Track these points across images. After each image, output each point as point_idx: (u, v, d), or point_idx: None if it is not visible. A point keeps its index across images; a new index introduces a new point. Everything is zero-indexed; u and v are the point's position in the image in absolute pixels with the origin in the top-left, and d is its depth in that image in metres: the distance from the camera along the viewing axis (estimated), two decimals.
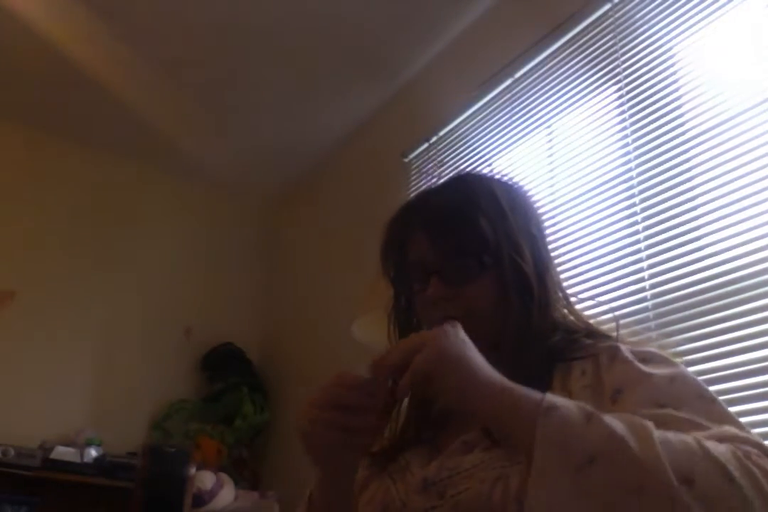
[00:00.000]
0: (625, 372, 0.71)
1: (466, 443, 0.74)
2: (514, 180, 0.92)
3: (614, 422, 0.56)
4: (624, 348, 0.75)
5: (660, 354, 0.76)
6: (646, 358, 0.73)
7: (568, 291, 0.88)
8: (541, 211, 2.02)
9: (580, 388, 0.72)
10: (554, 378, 0.74)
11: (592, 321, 0.86)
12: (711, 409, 0.66)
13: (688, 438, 0.57)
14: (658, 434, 0.55)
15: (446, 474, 0.71)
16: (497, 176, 0.92)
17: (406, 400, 0.84)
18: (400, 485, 0.76)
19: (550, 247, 0.88)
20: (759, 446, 0.58)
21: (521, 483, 0.65)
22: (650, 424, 0.57)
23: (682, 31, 1.75)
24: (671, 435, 0.56)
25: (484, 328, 0.77)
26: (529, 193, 0.95)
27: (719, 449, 0.56)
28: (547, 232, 0.92)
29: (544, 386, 0.70)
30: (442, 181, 0.91)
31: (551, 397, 0.59)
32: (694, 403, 0.66)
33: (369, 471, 0.82)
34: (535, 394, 0.60)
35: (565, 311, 0.85)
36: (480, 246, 0.80)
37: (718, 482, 0.53)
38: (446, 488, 0.70)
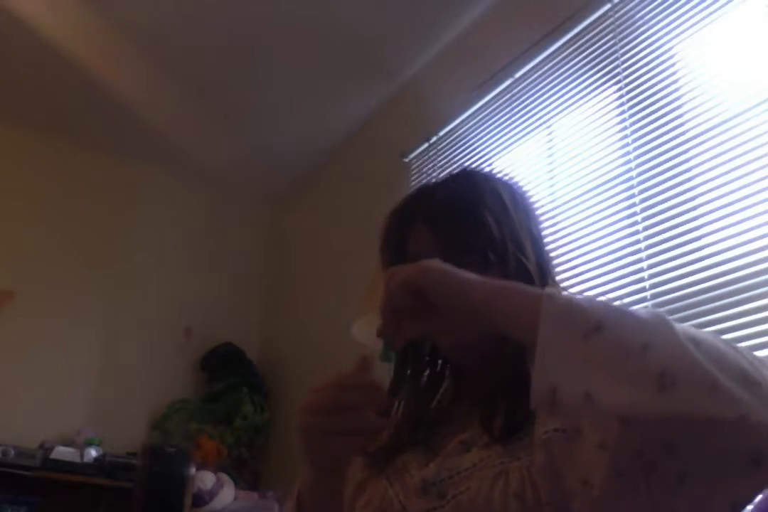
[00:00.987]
0: None
1: (464, 442, 0.73)
2: (515, 180, 0.92)
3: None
4: None
5: None
6: None
7: (568, 292, 0.88)
8: (540, 211, 2.03)
9: None
10: None
11: None
12: None
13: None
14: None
15: (446, 475, 0.71)
16: (499, 175, 0.92)
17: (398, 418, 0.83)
18: (397, 487, 0.75)
19: (548, 247, 0.87)
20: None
21: (521, 479, 0.65)
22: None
23: (682, 32, 1.75)
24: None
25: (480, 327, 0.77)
26: (529, 194, 0.95)
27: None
28: (546, 232, 0.92)
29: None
30: (444, 175, 0.90)
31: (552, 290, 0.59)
32: None
33: (365, 474, 0.81)
34: (534, 288, 0.61)
35: None
36: (485, 243, 0.78)
37: (722, 346, 0.53)
38: (447, 489, 0.70)
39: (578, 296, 0.57)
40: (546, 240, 0.87)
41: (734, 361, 0.52)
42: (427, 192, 0.87)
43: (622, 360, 0.51)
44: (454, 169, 2.49)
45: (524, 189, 0.92)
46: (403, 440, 0.80)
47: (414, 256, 0.81)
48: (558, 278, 0.88)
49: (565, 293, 0.58)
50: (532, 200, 0.92)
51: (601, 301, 0.57)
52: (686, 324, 0.59)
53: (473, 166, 2.40)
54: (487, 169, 2.37)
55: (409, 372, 0.85)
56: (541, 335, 0.54)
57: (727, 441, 0.49)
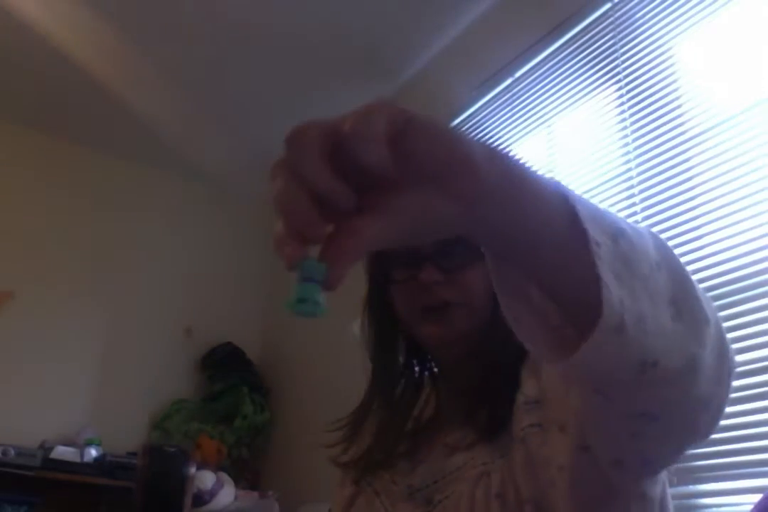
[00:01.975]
0: None
1: (447, 446, 0.73)
2: None
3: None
4: None
5: None
6: None
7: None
8: None
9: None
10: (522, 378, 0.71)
11: None
12: None
13: None
14: None
15: (431, 480, 0.71)
16: None
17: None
18: (384, 496, 0.75)
19: None
20: None
21: (502, 479, 0.65)
22: None
23: (682, 31, 1.74)
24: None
25: (474, 317, 0.75)
26: None
27: None
28: None
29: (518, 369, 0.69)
30: None
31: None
32: None
33: (354, 489, 0.80)
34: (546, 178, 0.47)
35: None
36: None
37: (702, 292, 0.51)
38: (432, 494, 0.70)
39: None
40: None
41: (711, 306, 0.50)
42: None
43: (645, 272, 0.45)
44: None
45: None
46: (388, 452, 0.79)
47: (398, 250, 0.78)
48: None
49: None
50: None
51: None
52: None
53: None
54: None
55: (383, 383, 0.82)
56: (591, 231, 0.42)
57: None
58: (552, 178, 0.46)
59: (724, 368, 0.50)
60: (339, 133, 0.37)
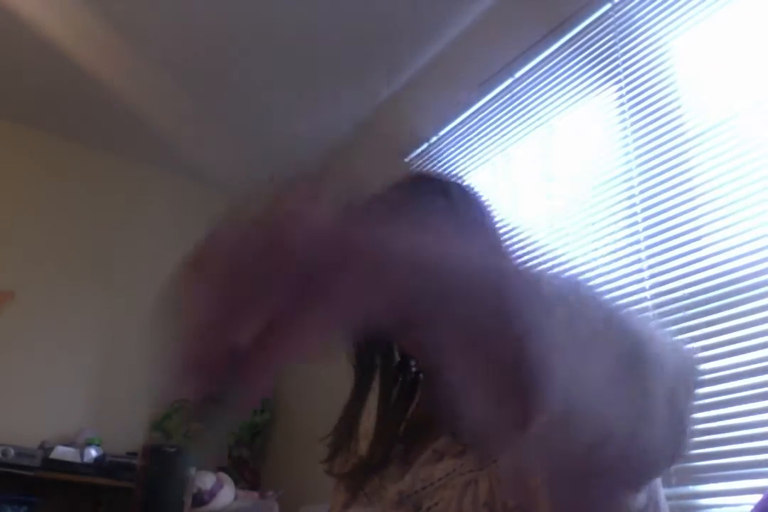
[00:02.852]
0: None
1: (436, 451, 0.72)
2: (464, 181, 0.86)
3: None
4: None
5: None
6: None
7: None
8: (540, 211, 2.03)
9: None
10: None
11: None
12: None
13: None
14: None
15: (420, 486, 0.70)
16: (449, 176, 0.87)
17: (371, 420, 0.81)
18: (376, 503, 0.75)
19: (505, 237, 0.83)
20: None
21: (490, 487, 0.64)
22: None
23: (682, 31, 1.74)
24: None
25: None
26: (479, 195, 0.89)
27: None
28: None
29: None
30: (389, 186, 0.83)
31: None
32: None
33: (347, 496, 0.80)
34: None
35: None
36: None
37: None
38: (421, 500, 0.69)
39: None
40: (504, 232, 0.84)
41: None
42: (375, 199, 0.80)
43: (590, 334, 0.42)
44: (455, 168, 2.49)
45: (472, 190, 0.84)
46: (380, 458, 0.79)
47: None
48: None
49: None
50: (474, 191, 0.85)
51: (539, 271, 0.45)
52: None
53: (473, 166, 2.40)
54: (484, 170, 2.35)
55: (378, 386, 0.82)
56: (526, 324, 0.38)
57: None
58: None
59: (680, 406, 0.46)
60: None
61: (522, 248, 2.05)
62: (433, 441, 0.74)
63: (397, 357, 0.83)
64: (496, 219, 0.84)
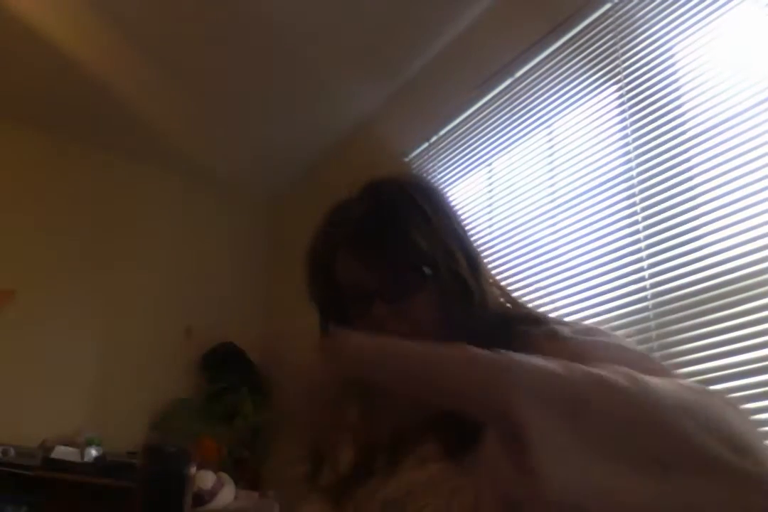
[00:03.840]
0: (569, 347, 0.67)
1: (419, 457, 0.72)
2: (423, 176, 0.88)
3: (591, 368, 0.50)
4: (561, 328, 0.72)
5: (599, 327, 0.74)
6: (587, 332, 0.71)
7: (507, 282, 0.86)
8: (540, 211, 2.02)
9: None
10: None
11: (531, 306, 0.84)
12: (658, 368, 0.65)
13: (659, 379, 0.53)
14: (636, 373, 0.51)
15: (403, 492, 0.70)
16: (409, 176, 0.88)
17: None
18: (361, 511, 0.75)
19: (473, 239, 0.84)
20: (715, 394, 0.56)
21: (477, 495, 0.63)
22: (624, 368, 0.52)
23: (682, 31, 1.74)
24: (646, 377, 0.51)
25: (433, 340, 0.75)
26: (439, 188, 0.91)
27: (688, 384, 0.53)
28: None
29: None
30: (353, 192, 0.85)
31: (513, 354, 0.49)
32: (644, 363, 0.63)
33: (327, 507, 0.80)
34: (490, 354, 0.49)
35: (501, 300, 0.82)
36: (416, 257, 0.76)
37: (707, 410, 0.50)
38: (405, 506, 0.69)
39: (538, 361, 0.49)
40: (470, 232, 0.85)
41: (725, 427, 0.49)
42: (342, 215, 0.83)
43: (614, 441, 0.45)
44: (455, 168, 2.49)
45: (435, 185, 0.87)
46: (365, 469, 0.79)
47: (347, 287, 0.79)
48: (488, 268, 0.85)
49: (521, 358, 0.49)
50: (446, 196, 0.87)
51: (566, 364, 0.49)
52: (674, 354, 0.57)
53: (473, 166, 2.40)
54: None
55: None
56: (528, 421, 0.44)
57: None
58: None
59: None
60: None
61: (521, 248, 2.05)
62: (415, 448, 0.74)
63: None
64: (454, 208, 0.85)
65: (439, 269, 0.76)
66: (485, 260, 0.86)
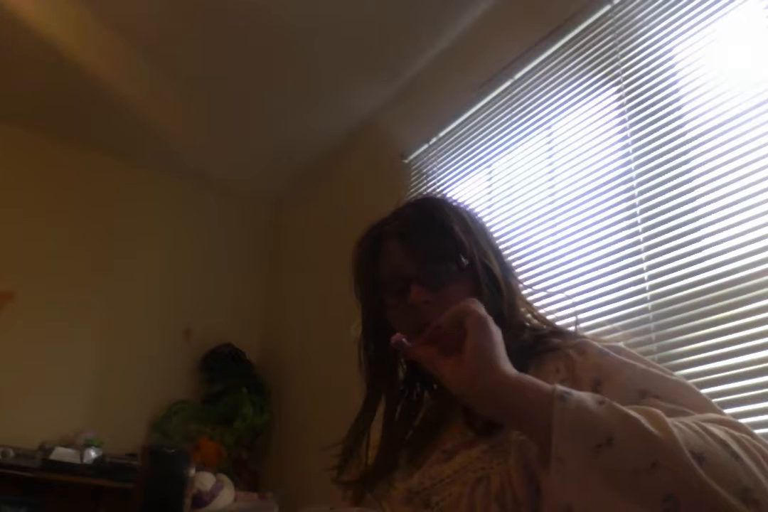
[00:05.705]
0: (599, 365, 0.73)
1: (446, 452, 0.75)
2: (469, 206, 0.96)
3: (624, 407, 0.58)
4: (592, 343, 0.77)
5: (627, 348, 0.79)
6: (617, 350, 0.76)
7: (532, 297, 0.94)
8: (540, 212, 2.03)
9: (559, 383, 0.72)
10: (529, 373, 0.74)
11: (556, 322, 0.88)
12: (691, 397, 0.69)
13: (689, 421, 0.59)
14: (666, 417, 0.58)
15: (429, 483, 0.73)
16: (454, 200, 0.95)
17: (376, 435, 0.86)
18: (385, 504, 0.77)
19: (508, 261, 0.91)
20: (745, 429, 0.62)
21: (501, 483, 0.67)
22: (656, 410, 0.59)
23: (682, 33, 1.75)
24: (676, 420, 0.58)
25: None
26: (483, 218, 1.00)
27: (717, 431, 0.58)
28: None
29: None
30: (404, 203, 0.93)
31: (561, 386, 0.60)
32: (677, 390, 0.69)
33: (355, 500, 0.83)
34: (544, 384, 0.61)
35: (529, 315, 0.88)
36: (456, 248, 0.81)
37: (725, 458, 0.55)
38: (430, 496, 0.72)
39: (586, 397, 0.59)
40: (505, 255, 0.91)
41: (736, 477, 0.54)
42: (392, 216, 0.90)
43: (632, 478, 0.54)
44: (455, 170, 2.49)
45: (478, 213, 0.95)
46: (388, 464, 0.82)
47: (389, 275, 0.84)
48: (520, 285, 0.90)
49: (573, 393, 0.59)
50: (484, 222, 0.95)
51: (609, 405, 0.58)
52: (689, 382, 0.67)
53: (473, 166, 2.41)
54: (486, 171, 2.38)
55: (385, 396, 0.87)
56: (554, 446, 0.55)
57: None
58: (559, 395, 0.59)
59: None
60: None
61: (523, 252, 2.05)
62: (442, 444, 0.77)
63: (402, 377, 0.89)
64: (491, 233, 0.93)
65: (474, 264, 0.81)
66: (518, 277, 0.92)
